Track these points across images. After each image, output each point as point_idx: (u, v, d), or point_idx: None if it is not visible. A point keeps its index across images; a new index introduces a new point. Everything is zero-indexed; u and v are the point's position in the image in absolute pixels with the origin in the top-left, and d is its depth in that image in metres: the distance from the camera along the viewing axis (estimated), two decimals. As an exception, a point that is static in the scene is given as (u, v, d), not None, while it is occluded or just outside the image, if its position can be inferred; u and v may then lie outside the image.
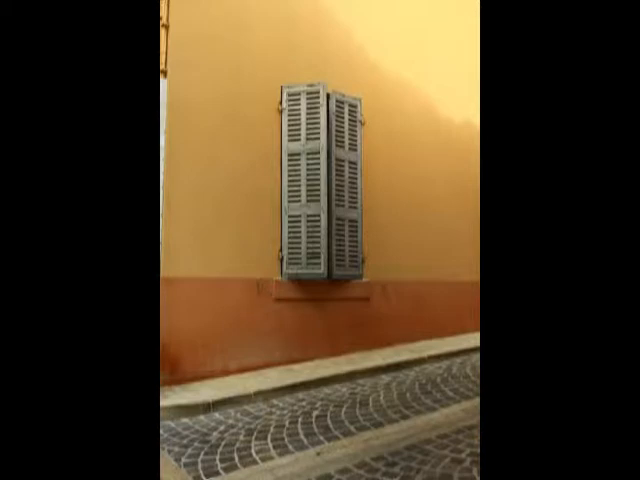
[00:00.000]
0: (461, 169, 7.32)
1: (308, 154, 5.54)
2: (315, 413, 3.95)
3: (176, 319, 4.65)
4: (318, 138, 5.54)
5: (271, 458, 3.11)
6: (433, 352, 5.79)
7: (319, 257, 5.46)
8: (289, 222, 5.52)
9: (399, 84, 6.77)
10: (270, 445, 3.33)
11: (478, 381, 4.60)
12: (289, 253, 5.50)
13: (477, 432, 3.25)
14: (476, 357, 5.68)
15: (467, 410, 3.80)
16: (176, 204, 4.80)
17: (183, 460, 3.16)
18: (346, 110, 5.87)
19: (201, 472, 2.98)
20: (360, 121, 6.03)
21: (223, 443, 3.41)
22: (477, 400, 4.01)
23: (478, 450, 2.93)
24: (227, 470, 2.99)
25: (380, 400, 4.24)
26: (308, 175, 5.52)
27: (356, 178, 5.91)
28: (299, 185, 5.53)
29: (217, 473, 2.97)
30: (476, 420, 3.47)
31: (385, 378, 5.01)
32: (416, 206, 6.83)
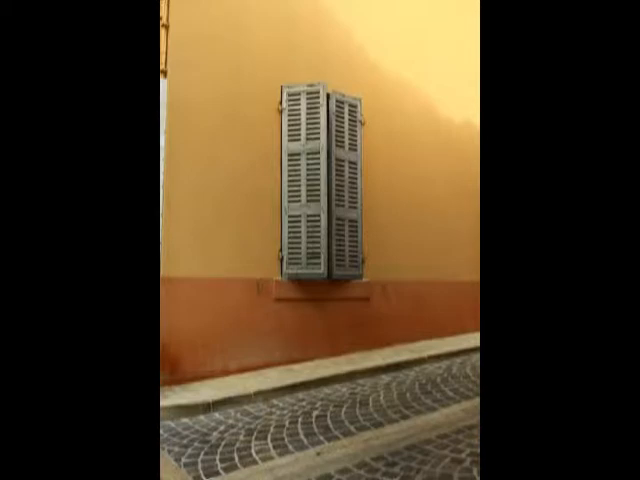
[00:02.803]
0: (461, 169, 7.32)
1: (308, 154, 5.54)
2: (315, 413, 3.95)
3: (176, 319, 4.65)
4: (318, 138, 5.54)
5: (271, 458, 3.11)
6: (433, 352, 5.79)
7: (319, 257, 5.46)
8: (289, 222, 5.52)
9: (399, 84, 6.77)
10: (270, 445, 3.32)
11: (478, 381, 4.60)
12: (289, 253, 5.50)
13: (477, 432, 3.25)
14: (476, 357, 5.68)
15: (467, 410, 3.80)
16: (176, 204, 4.80)
17: (183, 460, 3.16)
18: (346, 110, 5.87)
19: (201, 472, 2.98)
20: (360, 121, 6.03)
21: (223, 443, 3.41)
22: (477, 400, 4.01)
23: (478, 450, 2.93)
24: (227, 470, 2.99)
25: (380, 400, 4.24)
26: (308, 175, 5.52)
27: (356, 178, 5.90)
28: (299, 185, 5.53)
29: (217, 473, 2.97)
30: (476, 420, 3.47)
31: (385, 378, 5.01)
32: (416, 206, 6.83)
